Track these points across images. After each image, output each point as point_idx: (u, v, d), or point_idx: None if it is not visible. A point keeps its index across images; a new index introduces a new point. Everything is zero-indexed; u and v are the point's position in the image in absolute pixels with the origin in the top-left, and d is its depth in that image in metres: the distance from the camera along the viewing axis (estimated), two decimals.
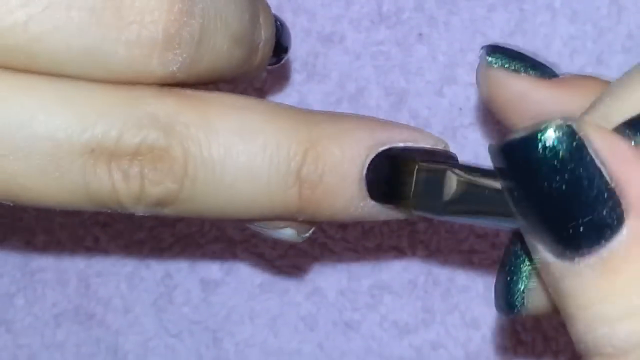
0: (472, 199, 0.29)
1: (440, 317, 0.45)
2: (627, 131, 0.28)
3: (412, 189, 0.31)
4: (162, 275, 0.46)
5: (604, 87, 0.30)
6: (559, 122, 0.25)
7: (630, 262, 0.25)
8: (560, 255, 0.26)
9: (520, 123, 0.32)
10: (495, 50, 0.33)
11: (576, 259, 0.25)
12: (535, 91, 0.32)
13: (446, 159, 0.32)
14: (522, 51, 0.33)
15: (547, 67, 0.33)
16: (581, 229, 0.25)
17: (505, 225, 0.29)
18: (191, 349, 0.46)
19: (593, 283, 0.25)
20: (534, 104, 0.32)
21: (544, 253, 0.26)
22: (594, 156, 0.25)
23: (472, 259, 0.45)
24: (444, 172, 0.30)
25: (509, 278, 0.30)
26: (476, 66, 0.46)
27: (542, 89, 0.32)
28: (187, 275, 0.46)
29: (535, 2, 0.46)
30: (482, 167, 0.29)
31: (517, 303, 0.30)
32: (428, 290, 0.45)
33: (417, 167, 0.31)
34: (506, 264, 0.30)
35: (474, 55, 0.46)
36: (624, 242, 0.25)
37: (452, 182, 0.29)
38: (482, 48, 0.33)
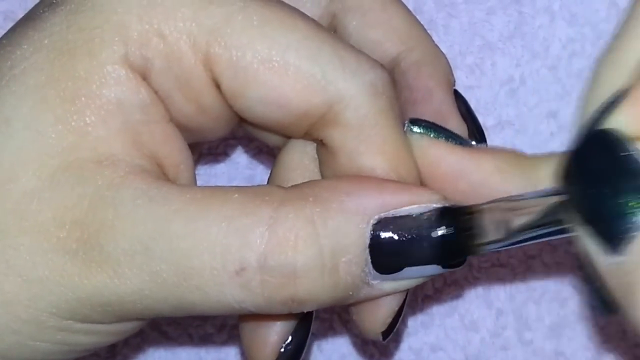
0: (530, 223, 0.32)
1: (440, 319, 0.45)
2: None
3: (480, 232, 0.33)
4: None
5: (511, 157, 0.35)
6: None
7: None
8: (616, 247, 0.28)
9: (438, 184, 0.35)
10: (418, 121, 0.36)
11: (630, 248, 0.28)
12: (450, 156, 0.35)
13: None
14: (440, 124, 0.37)
15: (463, 139, 0.36)
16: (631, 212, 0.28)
17: (562, 235, 0.32)
18: (191, 352, 0.46)
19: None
20: (448, 166, 0.35)
21: (601, 255, 0.29)
22: None
23: (472, 261, 0.45)
24: (501, 208, 0.33)
25: (598, 283, 0.32)
26: (476, 69, 0.46)
27: (456, 154, 0.35)
28: None
29: (534, 4, 0.46)
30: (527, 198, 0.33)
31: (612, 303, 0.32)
32: (428, 293, 0.45)
33: (479, 210, 0.33)
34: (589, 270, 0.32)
35: (473, 58, 0.46)
36: None
37: (511, 217, 0.33)
38: (407, 120, 0.36)
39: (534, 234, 0.33)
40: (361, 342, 0.45)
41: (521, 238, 0.33)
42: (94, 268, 0.32)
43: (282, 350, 0.36)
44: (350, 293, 0.33)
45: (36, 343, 0.33)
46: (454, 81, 0.40)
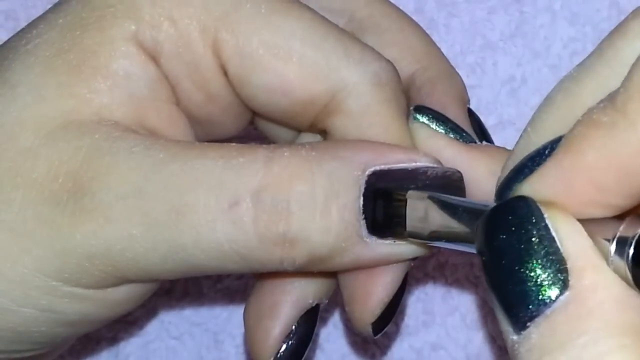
0: (447, 229, 0.32)
1: (441, 319, 0.45)
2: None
3: (405, 219, 0.33)
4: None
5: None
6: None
7: (568, 321, 0.27)
8: (515, 320, 0.28)
9: None
10: (422, 109, 0.37)
11: (527, 324, 0.27)
12: (447, 150, 0.36)
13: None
14: (446, 115, 0.37)
15: (466, 133, 0.37)
16: (531, 289, 0.27)
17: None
18: (192, 351, 0.46)
19: (537, 340, 0.27)
20: (444, 160, 0.35)
21: (505, 326, 0.28)
22: (551, 228, 0.28)
23: (473, 260, 0.45)
24: (425, 204, 0.33)
25: None
26: (477, 68, 0.46)
27: (454, 149, 0.36)
28: (188, 278, 0.46)
29: (535, 4, 0.46)
30: (460, 202, 0.32)
31: None
32: (428, 292, 0.45)
33: (407, 196, 0.33)
34: None
35: (474, 57, 0.46)
36: (564, 302, 0.27)
37: (431, 214, 0.32)
38: (411, 107, 0.36)
39: (451, 245, 0.32)
40: (362, 342, 0.45)
41: (437, 243, 0.33)
42: (84, 216, 0.32)
43: (285, 343, 0.36)
44: (344, 244, 0.33)
45: (21, 309, 0.33)
46: (468, 100, 0.40)
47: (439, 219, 0.32)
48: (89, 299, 0.34)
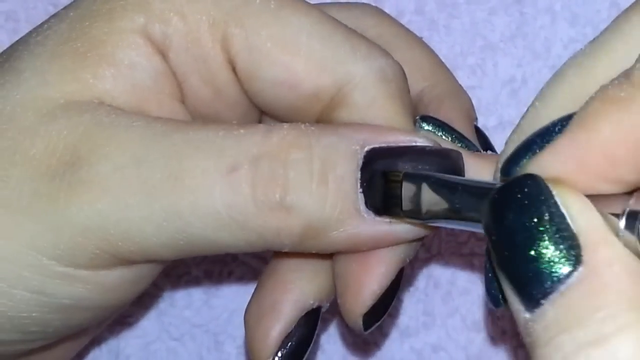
0: (445, 208, 0.32)
1: (441, 320, 0.45)
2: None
3: (401, 199, 0.33)
4: (164, 279, 0.46)
5: None
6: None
7: (584, 297, 0.27)
8: (528, 299, 0.27)
9: None
10: (428, 119, 0.37)
11: (540, 302, 0.27)
12: None
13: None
14: (452, 125, 0.37)
15: (471, 142, 0.37)
16: (544, 266, 0.27)
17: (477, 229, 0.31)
18: (193, 352, 0.46)
19: (553, 318, 0.27)
20: None
21: (517, 305, 0.28)
22: (561, 205, 0.28)
23: (473, 261, 0.45)
24: (421, 183, 0.32)
25: (490, 275, 0.31)
26: (477, 69, 0.46)
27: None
28: (188, 279, 0.46)
29: (536, 5, 0.46)
30: (461, 181, 0.32)
31: (500, 298, 0.31)
32: (429, 293, 0.45)
33: (402, 177, 0.33)
34: (487, 264, 0.32)
35: (474, 58, 0.46)
36: (579, 277, 0.27)
37: (428, 193, 0.32)
38: (417, 117, 0.37)
39: (454, 224, 0.32)
40: (362, 343, 0.45)
41: (438, 223, 0.33)
42: (80, 187, 0.32)
43: (284, 344, 0.36)
44: (340, 216, 0.33)
45: (12, 290, 0.33)
46: (476, 118, 0.40)
47: (435, 198, 0.32)
48: (82, 280, 0.33)
